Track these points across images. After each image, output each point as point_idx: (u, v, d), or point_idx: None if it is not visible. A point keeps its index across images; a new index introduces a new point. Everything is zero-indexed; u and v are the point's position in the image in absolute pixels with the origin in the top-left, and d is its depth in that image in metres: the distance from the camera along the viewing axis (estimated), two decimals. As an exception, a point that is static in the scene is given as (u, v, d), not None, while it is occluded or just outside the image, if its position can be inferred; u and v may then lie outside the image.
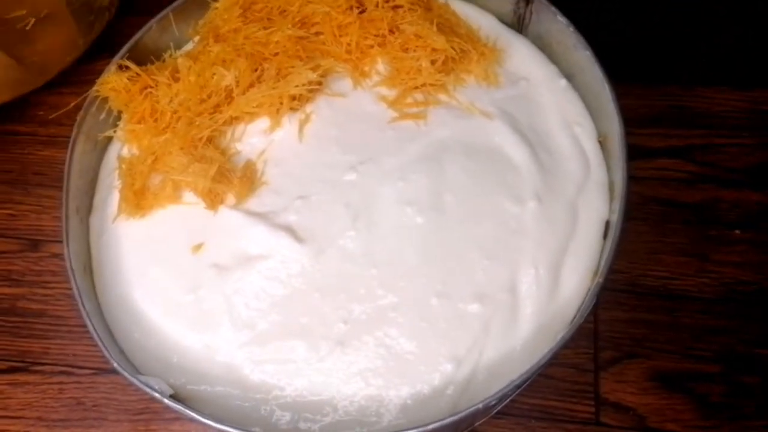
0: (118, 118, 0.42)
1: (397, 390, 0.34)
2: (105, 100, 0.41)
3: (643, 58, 0.49)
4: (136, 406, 0.41)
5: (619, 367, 0.39)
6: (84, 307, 0.34)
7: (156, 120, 0.39)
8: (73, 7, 0.47)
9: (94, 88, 0.40)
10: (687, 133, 0.46)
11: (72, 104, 0.42)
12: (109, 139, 0.42)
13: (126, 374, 0.32)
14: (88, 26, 0.50)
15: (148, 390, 0.31)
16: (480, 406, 0.30)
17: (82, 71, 0.51)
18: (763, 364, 0.39)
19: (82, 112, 0.40)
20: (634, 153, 0.45)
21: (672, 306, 0.41)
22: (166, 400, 0.31)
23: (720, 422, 0.38)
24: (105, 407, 0.42)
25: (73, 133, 0.39)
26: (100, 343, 0.33)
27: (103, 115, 0.41)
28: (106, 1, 0.50)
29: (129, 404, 0.41)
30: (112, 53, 0.41)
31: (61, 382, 0.42)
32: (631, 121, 0.46)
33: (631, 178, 0.44)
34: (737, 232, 0.42)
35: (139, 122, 0.39)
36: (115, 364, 0.32)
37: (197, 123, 0.38)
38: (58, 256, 0.46)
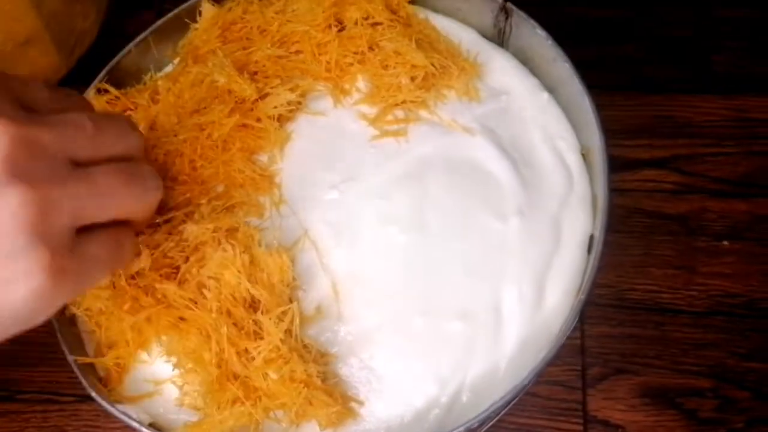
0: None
1: (382, 413, 0.33)
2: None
3: (625, 68, 0.49)
4: (120, 434, 0.41)
5: (608, 383, 0.39)
6: (61, 333, 0.34)
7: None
8: (52, 31, 0.47)
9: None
10: (671, 144, 0.45)
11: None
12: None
13: (104, 403, 0.31)
14: (69, 50, 0.50)
15: (125, 419, 0.31)
16: (462, 429, 0.30)
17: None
18: (753, 378, 0.38)
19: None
20: (618, 165, 0.45)
21: (660, 320, 0.40)
22: (144, 429, 0.31)
23: (711, 438, 0.37)
24: (88, 435, 0.41)
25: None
26: (77, 371, 0.33)
27: (82, 139, 0.41)
28: (87, 24, 0.50)
29: None
30: (94, 77, 0.41)
31: (45, 410, 0.42)
32: (614, 132, 0.46)
33: (616, 191, 0.44)
34: (725, 243, 0.42)
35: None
36: (93, 393, 0.32)
37: None
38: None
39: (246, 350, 0.32)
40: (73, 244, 0.24)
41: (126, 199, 0.27)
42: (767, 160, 0.44)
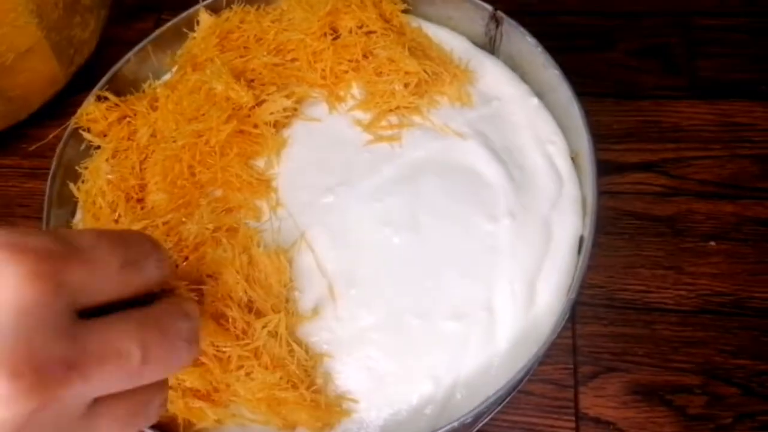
0: (98, 149, 0.42)
1: (378, 411, 0.34)
2: (85, 130, 0.41)
3: (613, 75, 0.50)
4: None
5: (599, 381, 0.39)
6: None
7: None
8: (52, 41, 0.47)
9: (73, 119, 0.41)
10: (659, 147, 0.46)
11: (52, 136, 0.43)
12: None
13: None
14: (68, 59, 0.51)
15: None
16: (456, 424, 0.31)
17: (64, 103, 0.51)
18: (740, 374, 0.39)
19: (61, 144, 0.40)
20: (607, 168, 0.46)
21: (650, 319, 0.41)
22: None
23: (701, 434, 0.38)
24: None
25: (53, 165, 0.40)
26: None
27: (83, 147, 0.41)
28: (87, 34, 0.51)
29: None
30: (93, 85, 0.42)
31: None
32: (604, 136, 0.47)
33: (606, 193, 0.45)
34: (712, 243, 0.43)
35: (114, 154, 0.40)
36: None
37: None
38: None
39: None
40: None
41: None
42: (752, 162, 0.45)
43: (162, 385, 0.23)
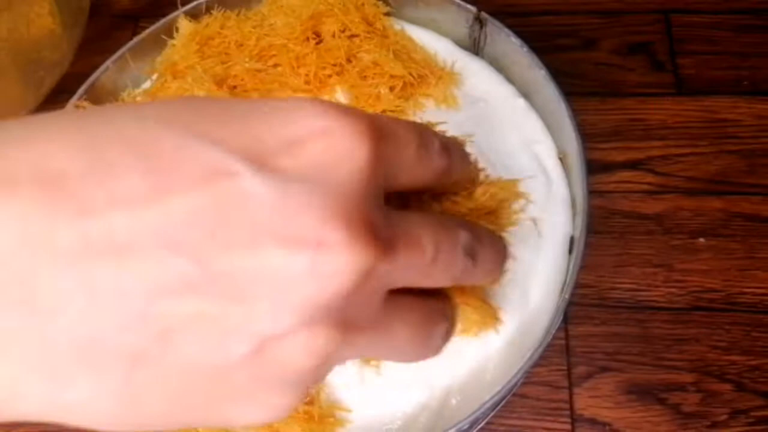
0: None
1: (372, 421, 0.33)
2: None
3: (597, 74, 0.50)
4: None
5: (593, 381, 0.39)
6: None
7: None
8: (18, 64, 0.46)
9: (51, 130, 0.40)
10: (645, 146, 0.46)
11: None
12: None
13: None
14: (38, 82, 0.49)
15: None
16: (452, 430, 0.30)
17: (41, 115, 0.50)
18: (733, 370, 0.39)
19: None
20: (594, 167, 0.46)
21: (642, 318, 0.41)
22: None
23: (696, 431, 0.38)
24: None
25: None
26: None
27: (61, 158, 0.40)
28: (57, 56, 0.50)
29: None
30: (71, 94, 0.41)
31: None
32: (589, 136, 0.47)
33: (594, 192, 0.44)
34: (701, 240, 0.43)
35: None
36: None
37: None
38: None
39: None
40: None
41: (406, 357, 0.21)
42: (738, 158, 0.45)
43: (445, 312, 0.22)
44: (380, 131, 0.18)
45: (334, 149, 0.17)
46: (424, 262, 0.19)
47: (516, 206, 0.28)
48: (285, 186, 0.16)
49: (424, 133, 0.21)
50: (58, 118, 0.16)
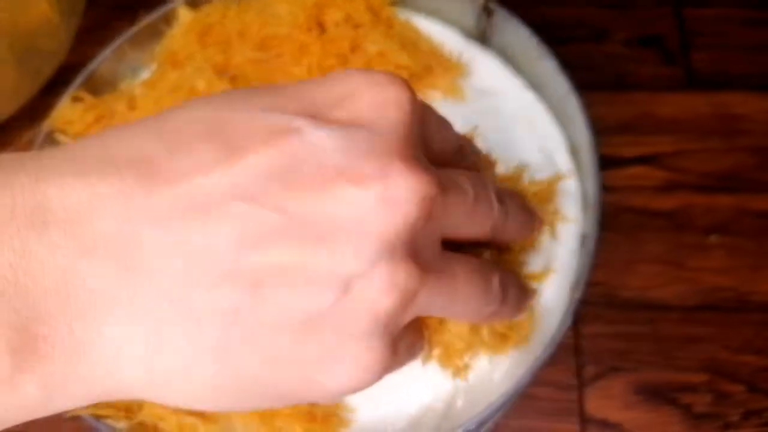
0: (75, 151, 0.40)
1: (375, 422, 0.32)
2: (60, 133, 0.39)
3: (607, 67, 0.49)
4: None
5: (603, 382, 0.38)
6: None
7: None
8: (16, 53, 0.45)
9: (47, 121, 0.39)
10: (656, 141, 0.45)
11: (25, 139, 0.41)
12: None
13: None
14: (34, 71, 0.48)
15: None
16: (460, 431, 0.29)
17: (37, 106, 0.49)
18: (746, 371, 0.38)
19: (35, 147, 0.38)
20: (604, 162, 0.44)
21: (652, 316, 0.40)
22: None
23: (708, 432, 0.37)
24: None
25: (27, 169, 0.38)
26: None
27: (58, 149, 0.39)
28: (54, 45, 0.49)
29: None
30: (68, 85, 0.40)
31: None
32: (599, 130, 0.45)
33: (603, 188, 0.43)
34: (712, 237, 0.42)
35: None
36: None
37: None
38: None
39: None
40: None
41: (470, 308, 0.22)
42: (750, 154, 0.44)
43: (491, 263, 0.25)
44: (415, 95, 0.21)
45: (381, 96, 0.19)
46: (467, 201, 0.21)
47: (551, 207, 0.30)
48: (343, 133, 0.18)
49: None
50: (142, 120, 0.19)
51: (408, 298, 0.18)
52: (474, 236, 0.23)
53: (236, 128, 0.18)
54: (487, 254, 0.26)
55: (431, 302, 0.20)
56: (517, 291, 0.26)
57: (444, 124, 0.24)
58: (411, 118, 0.20)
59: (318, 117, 0.18)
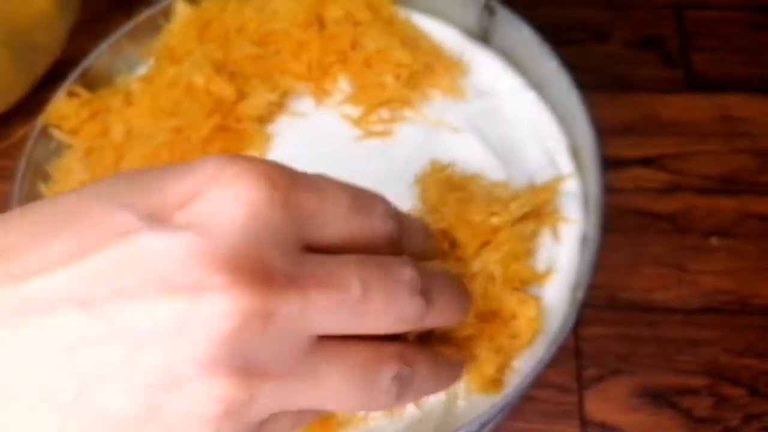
0: (70, 146, 0.39)
1: (376, 423, 0.32)
2: (55, 128, 0.39)
3: (608, 68, 0.49)
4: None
5: (604, 384, 0.38)
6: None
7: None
8: (11, 48, 0.44)
9: (42, 116, 0.38)
10: (658, 142, 0.45)
11: (20, 134, 0.40)
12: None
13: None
14: (29, 66, 0.48)
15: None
16: (462, 434, 0.29)
17: (32, 101, 0.49)
18: (747, 374, 0.38)
19: (30, 142, 0.38)
20: (606, 164, 0.44)
21: (653, 319, 0.40)
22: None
23: (708, 436, 0.37)
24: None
25: (22, 165, 0.37)
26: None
27: (53, 145, 0.39)
28: (50, 39, 0.48)
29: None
30: (64, 80, 0.40)
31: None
32: (600, 131, 0.45)
33: (606, 190, 0.43)
34: (713, 240, 0.42)
35: (87, 153, 0.37)
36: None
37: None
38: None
39: None
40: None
41: (346, 405, 0.21)
42: (751, 157, 0.44)
43: (402, 355, 0.21)
44: (294, 181, 0.19)
45: (226, 196, 0.18)
46: (350, 300, 0.19)
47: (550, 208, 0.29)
48: (173, 236, 0.17)
49: (362, 194, 0.21)
50: (25, 207, 0.19)
51: (235, 409, 0.17)
52: (373, 332, 0.20)
53: (91, 222, 0.18)
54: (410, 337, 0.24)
55: (288, 402, 0.19)
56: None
57: (359, 214, 0.21)
58: (260, 217, 0.18)
59: (160, 218, 0.18)
